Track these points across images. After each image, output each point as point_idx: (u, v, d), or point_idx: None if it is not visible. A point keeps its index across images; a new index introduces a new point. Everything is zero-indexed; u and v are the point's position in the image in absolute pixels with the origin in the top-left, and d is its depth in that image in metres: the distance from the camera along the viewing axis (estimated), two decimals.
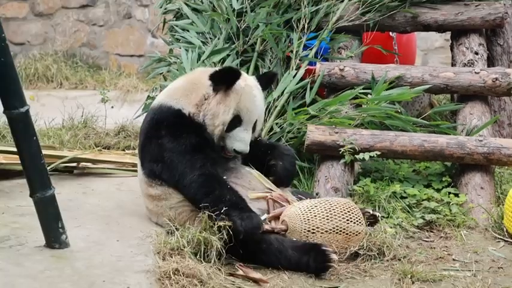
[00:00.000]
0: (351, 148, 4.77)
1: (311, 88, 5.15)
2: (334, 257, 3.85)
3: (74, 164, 5.16)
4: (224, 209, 3.90)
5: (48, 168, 3.88)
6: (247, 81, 4.25)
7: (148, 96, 5.63)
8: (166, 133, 4.17)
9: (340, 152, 4.78)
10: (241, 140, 4.17)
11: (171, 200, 4.15)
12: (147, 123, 4.30)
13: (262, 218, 4.02)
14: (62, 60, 9.07)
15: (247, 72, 5.14)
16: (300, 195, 4.34)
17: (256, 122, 4.25)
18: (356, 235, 4.02)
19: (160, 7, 5.92)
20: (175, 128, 4.16)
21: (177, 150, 4.11)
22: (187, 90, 4.27)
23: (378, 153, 4.80)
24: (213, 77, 4.19)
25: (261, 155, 4.33)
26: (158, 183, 4.18)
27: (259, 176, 4.26)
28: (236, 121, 4.16)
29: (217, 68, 4.29)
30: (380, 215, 4.29)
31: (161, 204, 4.18)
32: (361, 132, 4.90)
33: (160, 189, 4.17)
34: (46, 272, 3.38)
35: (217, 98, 4.16)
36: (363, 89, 5.13)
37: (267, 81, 4.46)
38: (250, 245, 3.91)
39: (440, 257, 4.13)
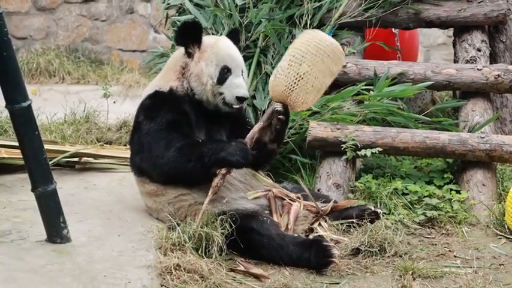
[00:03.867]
0: (352, 144, 4.76)
1: None
2: (336, 252, 3.86)
3: (76, 159, 5.17)
4: (210, 160, 3.95)
5: (50, 162, 3.88)
6: (217, 37, 4.36)
7: None
8: (143, 118, 4.22)
9: (342, 148, 4.78)
10: (238, 86, 4.21)
11: (167, 195, 4.16)
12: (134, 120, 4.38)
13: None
14: (64, 55, 9.07)
15: (249, 69, 5.17)
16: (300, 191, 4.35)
17: (242, 71, 4.30)
18: None
19: (163, 2, 5.91)
20: (151, 110, 4.21)
21: (154, 130, 4.12)
22: (165, 71, 4.37)
23: (380, 149, 4.79)
24: (177, 38, 4.27)
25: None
26: (147, 179, 4.20)
27: (254, 173, 4.27)
28: (225, 71, 4.21)
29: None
30: (381, 212, 4.30)
31: (159, 200, 4.18)
32: (363, 129, 4.89)
33: (154, 184, 4.18)
34: (47, 266, 3.39)
35: (195, 59, 4.23)
36: (365, 85, 5.13)
37: (234, 38, 4.47)
38: (252, 234, 3.93)
39: (441, 254, 4.14)
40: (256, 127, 4.11)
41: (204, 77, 4.18)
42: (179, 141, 4.05)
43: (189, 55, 4.24)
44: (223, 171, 3.96)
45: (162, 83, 4.29)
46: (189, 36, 4.21)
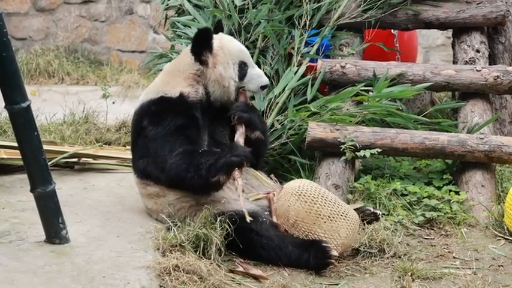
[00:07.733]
0: (351, 145, 4.76)
1: (312, 85, 5.15)
2: (335, 253, 3.85)
3: (75, 160, 5.17)
4: (204, 171, 3.91)
5: (49, 163, 3.88)
6: (218, 37, 4.38)
7: None
8: (148, 124, 4.20)
9: (341, 149, 4.78)
10: (260, 76, 4.37)
11: (168, 196, 4.15)
12: (132, 125, 4.36)
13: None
14: (63, 56, 9.08)
15: None
16: None
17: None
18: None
19: (162, 3, 5.92)
20: (158, 115, 4.19)
21: (161, 135, 4.11)
22: (169, 77, 4.34)
23: (379, 150, 4.79)
24: (194, 49, 4.27)
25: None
26: (152, 182, 4.19)
27: (255, 173, 4.27)
28: (243, 66, 4.33)
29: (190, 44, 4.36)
30: (380, 213, 4.30)
31: (160, 201, 4.18)
32: (362, 130, 4.89)
33: (157, 186, 4.17)
34: (46, 267, 3.39)
35: (210, 65, 4.26)
36: (364, 86, 5.12)
37: (220, 29, 4.58)
38: (250, 235, 3.92)
39: (440, 255, 4.14)
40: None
41: (225, 80, 4.24)
42: (184, 145, 4.05)
43: (203, 62, 4.26)
44: (236, 173, 3.93)
45: (168, 88, 4.26)
46: (202, 44, 4.24)
